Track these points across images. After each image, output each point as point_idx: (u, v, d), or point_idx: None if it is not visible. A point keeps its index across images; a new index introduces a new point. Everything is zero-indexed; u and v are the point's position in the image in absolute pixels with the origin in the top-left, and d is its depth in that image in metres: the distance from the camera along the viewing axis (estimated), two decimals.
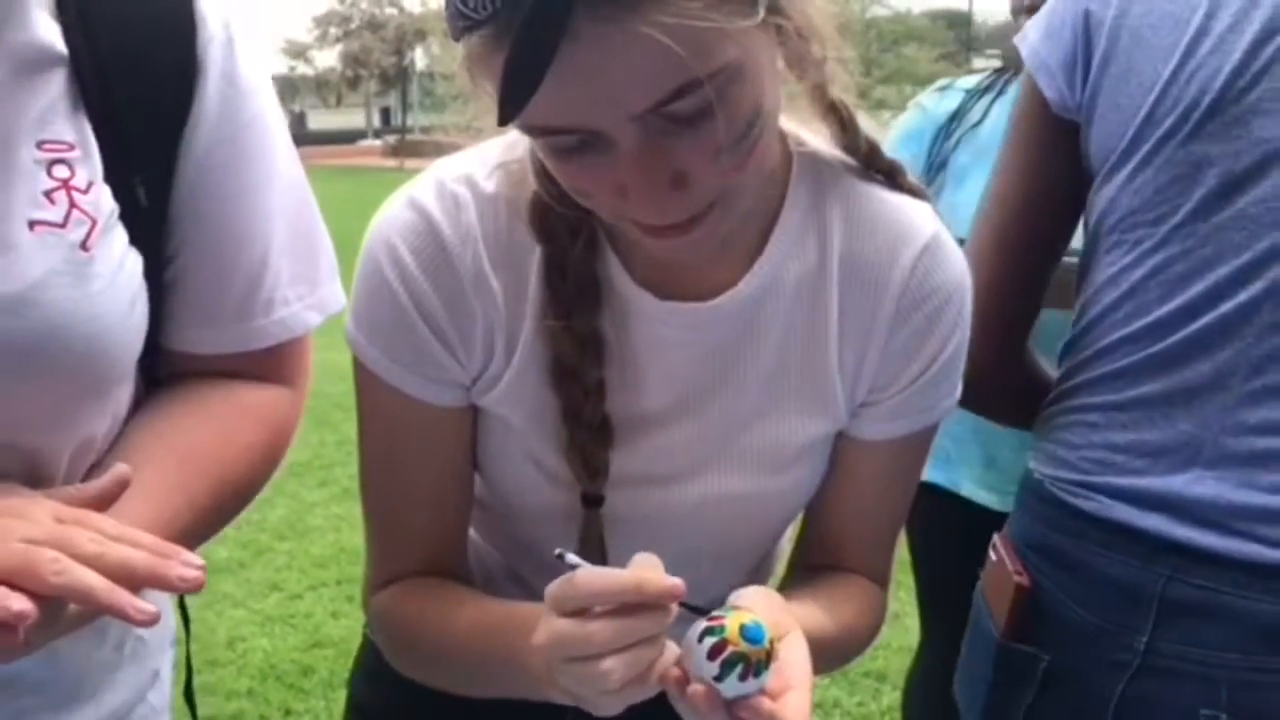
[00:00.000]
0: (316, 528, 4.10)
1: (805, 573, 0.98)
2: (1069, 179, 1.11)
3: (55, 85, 0.76)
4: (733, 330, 0.87)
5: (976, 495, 1.92)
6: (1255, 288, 0.96)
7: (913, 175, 0.92)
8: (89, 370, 0.76)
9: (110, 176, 0.78)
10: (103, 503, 0.73)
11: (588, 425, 0.86)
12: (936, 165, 1.88)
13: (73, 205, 0.75)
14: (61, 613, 0.66)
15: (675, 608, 0.71)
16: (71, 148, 0.76)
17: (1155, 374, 1.01)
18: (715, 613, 0.73)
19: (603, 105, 0.69)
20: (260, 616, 3.47)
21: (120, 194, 0.78)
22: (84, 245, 0.75)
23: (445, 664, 0.91)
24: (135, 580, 0.66)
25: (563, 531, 0.89)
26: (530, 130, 0.73)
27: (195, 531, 0.83)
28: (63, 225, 0.74)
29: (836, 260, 0.87)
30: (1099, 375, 1.05)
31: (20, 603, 0.61)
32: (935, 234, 0.88)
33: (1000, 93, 1.88)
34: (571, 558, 0.73)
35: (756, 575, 1.03)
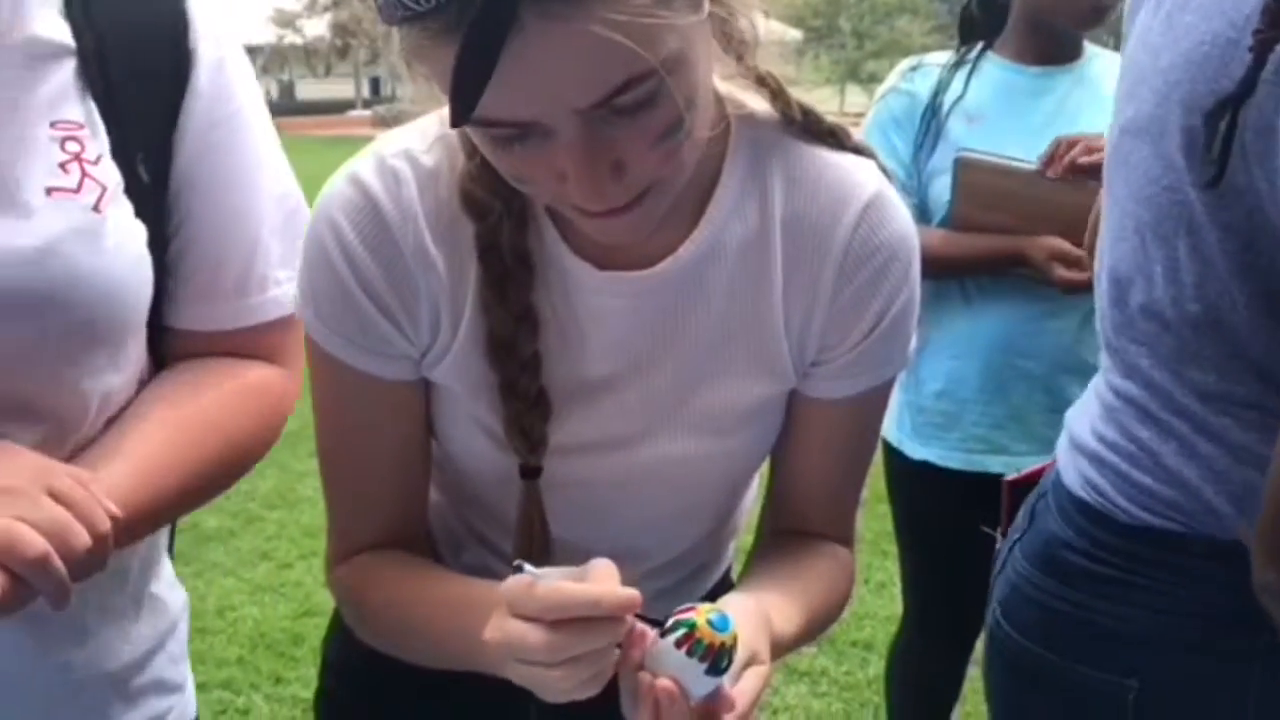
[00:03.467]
0: (306, 498, 4.10)
1: (772, 543, 1.00)
2: None
3: (64, 74, 0.85)
4: (675, 296, 0.88)
5: (950, 461, 1.95)
6: None
7: (859, 138, 0.92)
8: (103, 319, 0.85)
9: (115, 154, 0.87)
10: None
11: (524, 398, 0.87)
12: (931, 137, 1.88)
13: (84, 174, 0.84)
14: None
15: (630, 620, 0.73)
16: (80, 126, 0.85)
17: None
18: (680, 609, 0.75)
19: (547, 100, 0.69)
20: (250, 585, 3.48)
21: (125, 170, 0.87)
22: (96, 208, 0.83)
23: (407, 641, 0.92)
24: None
25: (512, 495, 0.91)
26: (471, 122, 0.73)
27: (202, 482, 0.91)
28: (76, 191, 0.83)
29: (779, 222, 0.88)
30: None
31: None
32: (878, 191, 0.88)
33: (975, 68, 1.90)
34: (530, 569, 0.74)
35: (718, 535, 1.06)
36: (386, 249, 0.85)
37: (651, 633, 0.75)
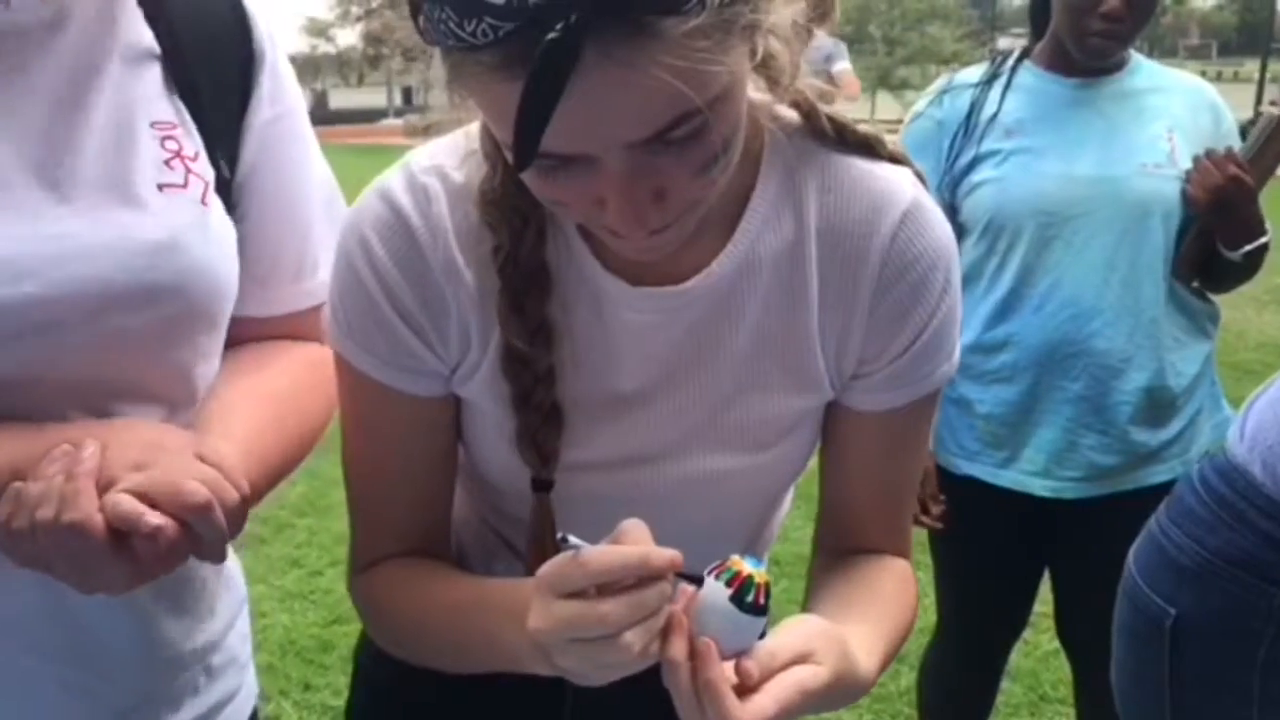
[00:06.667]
0: (336, 504, 4.11)
1: (832, 564, 0.98)
2: None
3: (154, 76, 0.90)
4: (709, 309, 0.87)
5: (999, 479, 1.92)
6: None
7: (894, 146, 0.90)
8: (213, 307, 0.89)
9: (206, 151, 0.91)
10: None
11: (537, 410, 0.86)
12: (964, 164, 1.86)
13: (188, 170, 0.88)
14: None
15: (674, 578, 0.73)
16: (175, 126, 0.89)
17: None
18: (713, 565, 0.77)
19: (600, 136, 0.69)
20: (280, 592, 3.49)
21: (213, 166, 0.91)
22: (203, 201, 0.88)
23: (426, 644, 0.92)
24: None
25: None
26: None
27: (288, 456, 0.95)
28: (184, 186, 0.87)
29: (814, 233, 0.87)
30: None
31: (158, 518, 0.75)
32: (915, 200, 0.87)
33: (1009, 83, 1.88)
34: (574, 539, 0.74)
35: (752, 549, 1.04)
36: (416, 266, 0.85)
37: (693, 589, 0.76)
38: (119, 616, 0.89)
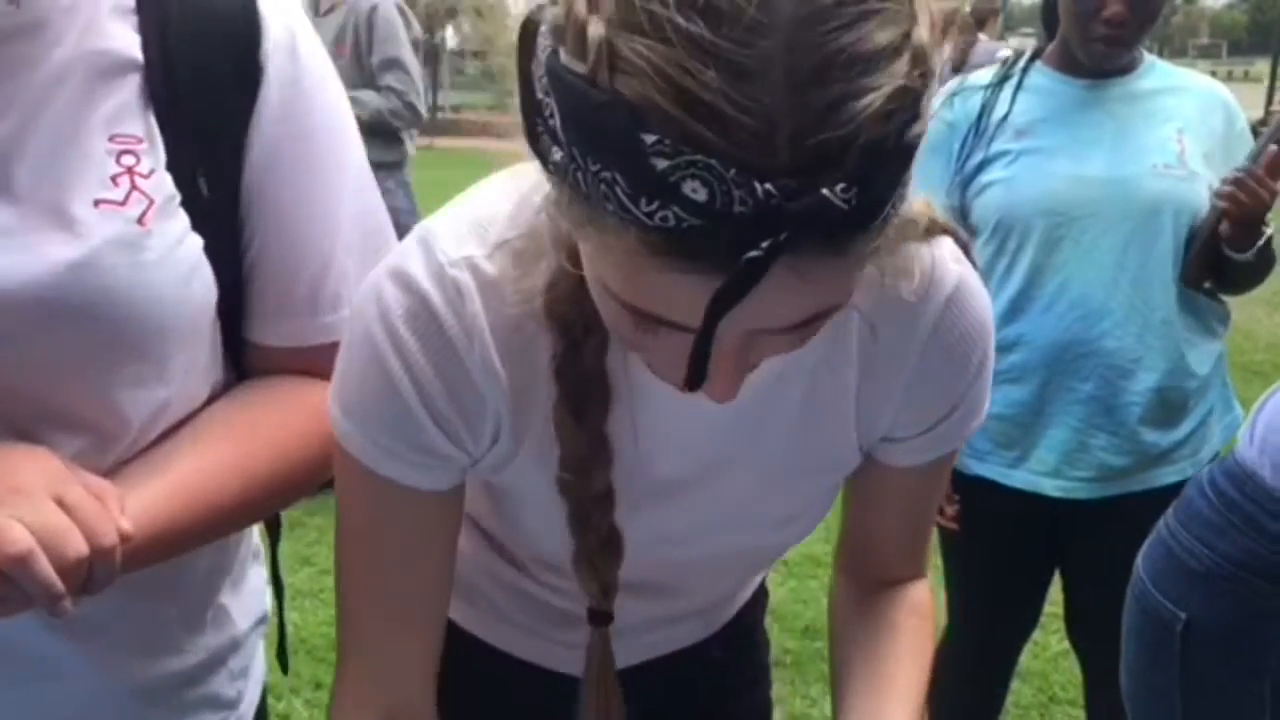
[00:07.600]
0: None
1: (857, 619, 1.00)
2: None
3: (129, 87, 0.84)
4: (752, 409, 0.86)
5: (1009, 479, 1.92)
6: None
7: (940, 213, 0.86)
8: (140, 332, 0.82)
9: (174, 167, 0.85)
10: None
11: (595, 532, 0.84)
12: (974, 165, 1.87)
13: (134, 187, 0.82)
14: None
15: None
16: (139, 141, 0.84)
17: None
18: None
19: (739, 324, 0.63)
20: (290, 590, 3.49)
21: (183, 183, 0.85)
22: (140, 220, 0.82)
23: None
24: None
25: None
26: (634, 311, 0.66)
27: (250, 502, 0.90)
28: (123, 204, 0.81)
29: (856, 327, 0.85)
30: None
31: None
32: (959, 281, 0.85)
33: (1020, 84, 1.88)
34: None
35: (751, 581, 1.12)
36: (452, 368, 0.80)
37: None
38: (56, 635, 0.86)
